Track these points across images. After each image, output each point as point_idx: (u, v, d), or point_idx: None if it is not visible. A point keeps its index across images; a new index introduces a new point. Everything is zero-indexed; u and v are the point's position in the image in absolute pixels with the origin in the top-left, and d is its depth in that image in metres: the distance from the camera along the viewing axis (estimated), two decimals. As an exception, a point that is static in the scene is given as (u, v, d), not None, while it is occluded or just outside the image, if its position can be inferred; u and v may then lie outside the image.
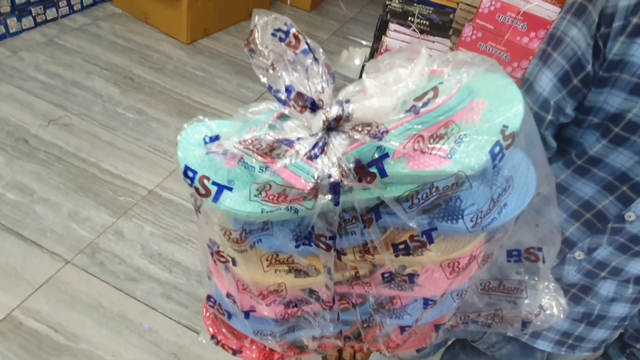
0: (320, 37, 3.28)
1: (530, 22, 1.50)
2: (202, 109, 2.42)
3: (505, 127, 0.39)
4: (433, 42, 1.83)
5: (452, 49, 1.82)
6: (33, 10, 2.59)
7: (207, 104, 2.46)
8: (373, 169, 0.38)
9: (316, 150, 0.39)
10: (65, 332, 1.46)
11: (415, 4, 2.01)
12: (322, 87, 0.39)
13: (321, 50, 0.40)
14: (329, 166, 0.39)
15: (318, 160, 0.39)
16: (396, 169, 0.39)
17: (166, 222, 1.84)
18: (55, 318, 1.49)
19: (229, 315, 0.59)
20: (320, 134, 0.40)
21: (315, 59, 0.39)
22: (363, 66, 2.39)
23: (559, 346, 0.79)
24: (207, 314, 0.67)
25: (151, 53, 2.70)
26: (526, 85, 0.68)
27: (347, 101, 0.40)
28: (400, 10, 1.94)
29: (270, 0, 3.42)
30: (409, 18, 1.90)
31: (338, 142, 0.39)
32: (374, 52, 2.10)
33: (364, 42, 3.35)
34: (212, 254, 0.52)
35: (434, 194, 0.39)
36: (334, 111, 0.39)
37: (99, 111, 2.25)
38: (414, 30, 1.85)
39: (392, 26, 1.86)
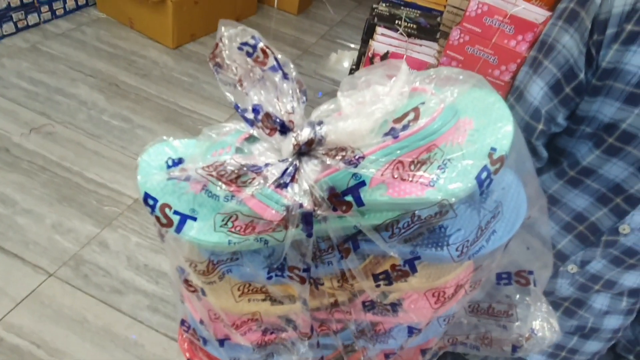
0: (308, 40, 3.26)
1: (518, 25, 1.49)
2: (189, 115, 2.39)
3: (494, 149, 0.36)
4: (420, 45, 1.81)
5: (439, 52, 1.81)
6: (14, 15, 2.54)
7: (194, 110, 2.42)
8: (349, 198, 0.35)
9: (286, 177, 0.36)
10: (49, 347, 1.42)
11: (402, 8, 1.99)
12: (293, 107, 0.36)
13: (292, 66, 0.37)
14: (300, 195, 0.36)
15: (288, 188, 0.36)
16: (374, 197, 0.35)
17: (152, 232, 1.80)
18: (38, 333, 1.45)
19: (204, 341, 0.57)
20: (290, 159, 0.36)
21: (285, 76, 0.36)
22: (351, 69, 2.37)
23: (552, 359, 0.77)
24: (183, 337, 0.64)
25: (137, 59, 2.66)
26: (516, 94, 0.67)
27: (320, 123, 0.37)
28: (388, 13, 1.93)
29: (257, 4, 3.39)
30: (396, 21, 1.89)
31: (310, 168, 0.36)
32: (361, 56, 2.09)
33: (352, 46, 3.33)
34: (181, 281, 0.49)
35: (416, 222, 0.36)
36: (306, 134, 0.36)
37: (83, 119, 2.21)
38: (401, 33, 1.84)
39: (380, 30, 1.85)
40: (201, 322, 0.52)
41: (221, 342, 0.53)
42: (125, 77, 2.51)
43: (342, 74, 3.00)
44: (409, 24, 1.88)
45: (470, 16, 1.54)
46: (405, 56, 1.73)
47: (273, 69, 0.36)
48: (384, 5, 1.96)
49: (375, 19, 1.90)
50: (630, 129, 0.55)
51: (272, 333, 0.52)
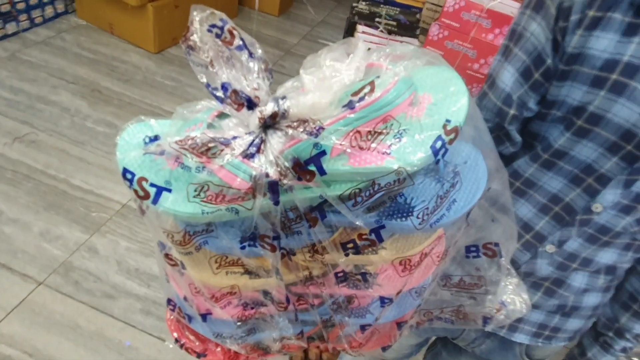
0: (290, 41, 3.27)
1: (495, 19, 1.53)
2: (174, 119, 2.39)
3: (448, 121, 0.38)
4: (401, 42, 1.85)
5: (420, 48, 1.84)
6: (-8, 25, 2.51)
7: (179, 114, 2.42)
8: (311, 167, 0.38)
9: (252, 148, 0.38)
10: (42, 355, 1.42)
11: (382, 5, 2.02)
12: (258, 84, 0.38)
13: (257, 45, 0.39)
14: (266, 165, 0.38)
15: (255, 159, 0.38)
16: (336, 166, 0.38)
17: (142, 236, 1.80)
18: (30, 342, 1.44)
19: (189, 319, 0.59)
20: (256, 132, 0.39)
21: (251, 55, 0.38)
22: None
23: (536, 338, 0.80)
24: (170, 317, 0.66)
25: (118, 64, 2.65)
26: (490, 81, 0.69)
27: (284, 98, 0.39)
28: (368, 11, 1.96)
29: (238, 7, 3.40)
30: (376, 19, 1.92)
31: (275, 140, 0.38)
32: (344, 55, 2.11)
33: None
34: (163, 257, 0.51)
35: (378, 191, 0.39)
36: (270, 108, 0.38)
37: (66, 126, 2.19)
38: (381, 31, 1.87)
39: (360, 28, 1.88)
40: (185, 298, 0.55)
41: (204, 317, 0.55)
42: (108, 83, 2.50)
43: (325, 73, 3.02)
44: (389, 21, 1.91)
45: (448, 11, 1.57)
46: (386, 53, 1.76)
47: (239, 48, 0.38)
48: (363, 3, 1.99)
49: (356, 17, 1.93)
50: (597, 111, 0.57)
51: (252, 308, 0.55)
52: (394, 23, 1.91)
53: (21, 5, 2.61)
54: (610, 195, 0.62)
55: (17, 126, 2.13)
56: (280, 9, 3.50)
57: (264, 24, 3.42)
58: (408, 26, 1.92)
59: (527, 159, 0.69)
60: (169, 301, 0.60)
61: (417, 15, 2.01)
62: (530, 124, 0.68)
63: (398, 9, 2.00)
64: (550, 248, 0.70)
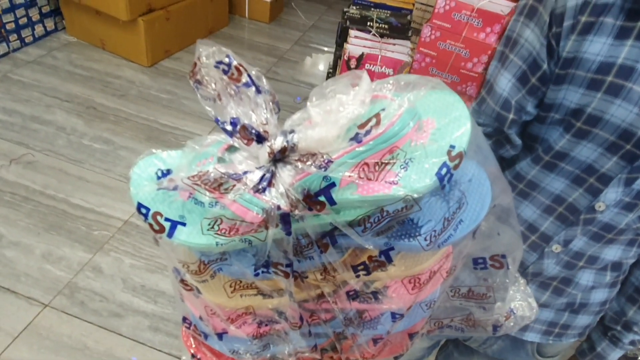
0: (282, 47, 3.28)
1: (485, 18, 1.54)
2: (171, 132, 2.39)
3: (452, 147, 0.39)
4: (394, 44, 1.85)
5: (413, 50, 1.85)
6: (-18, 47, 2.51)
7: (175, 127, 2.42)
8: (321, 198, 0.39)
9: (263, 182, 0.39)
10: (51, 379, 1.41)
11: (372, 9, 2.03)
12: (267, 119, 0.39)
13: (264, 79, 0.40)
14: (277, 197, 0.39)
15: (266, 192, 0.39)
16: (345, 195, 0.39)
17: (146, 252, 1.80)
18: (38, 366, 1.43)
19: (205, 336, 0.60)
20: (267, 166, 0.40)
21: (259, 90, 0.39)
22: (328, 73, 2.40)
23: (547, 336, 0.81)
24: (186, 333, 0.67)
25: (112, 80, 2.64)
26: (487, 87, 0.70)
27: (292, 131, 0.40)
28: (359, 16, 1.96)
29: (229, 16, 3.40)
30: (368, 23, 1.93)
31: (285, 174, 0.39)
32: (337, 60, 2.12)
33: (325, 49, 3.37)
34: (178, 281, 0.52)
35: (386, 217, 0.40)
36: (279, 142, 0.39)
37: (63, 145, 2.19)
38: (374, 34, 1.88)
39: (353, 32, 1.88)
40: (200, 318, 0.56)
41: (220, 336, 0.56)
42: (102, 99, 2.49)
43: (318, 78, 3.03)
44: (380, 25, 1.92)
45: (439, 13, 1.58)
46: (380, 56, 1.77)
47: (247, 84, 0.39)
48: (354, 8, 2.00)
49: (348, 22, 1.93)
50: (595, 113, 0.58)
51: (266, 325, 0.56)
52: (386, 26, 1.92)
53: (10, 26, 2.61)
54: (612, 193, 0.62)
55: (13, 148, 2.13)
56: (270, 15, 3.51)
57: (255, 32, 3.43)
58: (400, 28, 1.93)
59: (529, 161, 0.69)
60: (184, 319, 0.61)
61: (408, 17, 2.02)
62: (530, 127, 0.69)
63: (389, 12, 2.01)
64: (556, 248, 0.71)
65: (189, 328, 0.62)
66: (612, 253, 0.69)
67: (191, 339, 0.66)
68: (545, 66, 0.61)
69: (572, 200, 0.66)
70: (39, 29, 2.80)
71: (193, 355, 0.66)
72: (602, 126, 0.58)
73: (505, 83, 0.66)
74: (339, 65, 1.97)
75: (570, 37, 0.57)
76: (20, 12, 2.64)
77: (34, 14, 2.73)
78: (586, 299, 0.76)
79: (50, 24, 2.86)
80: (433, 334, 0.67)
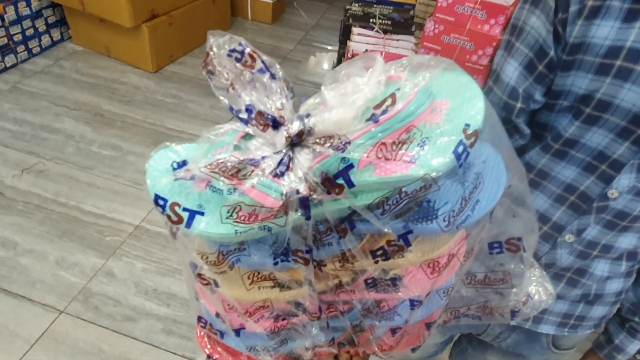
0: (285, 47, 3.28)
1: (489, 9, 1.53)
2: (178, 136, 2.40)
3: (467, 125, 0.39)
4: (397, 40, 1.85)
5: (417, 45, 1.84)
6: (-9, 59, 2.54)
7: (181, 130, 2.44)
8: (340, 181, 0.39)
9: (281, 167, 0.39)
10: (69, 384, 1.43)
11: (375, 5, 2.03)
12: (282, 104, 0.39)
13: (278, 66, 0.40)
14: (296, 182, 0.39)
15: (284, 177, 0.39)
16: (363, 177, 0.39)
17: (157, 256, 1.81)
18: (56, 371, 1.45)
19: (222, 334, 0.59)
20: (284, 151, 0.40)
21: (273, 76, 0.39)
22: (332, 72, 2.40)
23: (562, 327, 0.80)
24: (201, 334, 0.66)
25: (118, 86, 2.67)
26: (494, 76, 0.69)
27: (308, 115, 0.40)
28: (361, 13, 1.96)
29: (232, 18, 3.42)
30: (371, 20, 1.92)
31: (303, 157, 0.39)
32: (340, 58, 2.12)
33: (329, 47, 3.36)
34: (195, 276, 0.52)
35: (404, 198, 0.40)
36: (296, 127, 0.39)
37: (72, 152, 2.21)
38: (377, 31, 1.87)
39: (356, 30, 1.88)
40: (217, 315, 0.55)
41: (237, 332, 0.56)
42: (109, 106, 2.52)
43: (322, 77, 3.01)
44: (383, 21, 1.91)
45: (442, 6, 1.57)
46: (383, 53, 1.76)
47: (261, 71, 0.39)
48: (356, 5, 2.00)
49: (350, 19, 1.93)
50: (604, 98, 0.57)
51: (284, 319, 0.55)
52: (389, 22, 1.92)
53: (18, 37, 2.64)
54: (625, 180, 0.61)
55: (24, 157, 2.16)
56: (273, 16, 3.51)
57: (258, 33, 3.44)
58: (403, 24, 1.93)
59: (539, 150, 0.69)
60: (200, 319, 0.61)
61: (411, 12, 2.01)
62: (539, 115, 0.68)
63: (391, 8, 2.00)
64: (569, 237, 0.70)
65: (204, 327, 0.61)
66: (627, 241, 0.68)
67: (206, 339, 0.66)
68: (552, 53, 0.60)
69: (584, 189, 0.65)
70: (45, 39, 2.83)
71: (209, 356, 0.66)
72: (613, 111, 0.57)
73: (512, 71, 0.65)
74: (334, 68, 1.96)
75: (576, 22, 0.56)
76: (26, 23, 2.67)
77: (40, 24, 2.77)
78: (601, 290, 0.74)
79: (56, 33, 2.90)
80: (450, 323, 0.66)
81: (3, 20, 2.53)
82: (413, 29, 1.91)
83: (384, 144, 0.38)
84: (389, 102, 0.39)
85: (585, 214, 0.67)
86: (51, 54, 2.84)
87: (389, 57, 1.76)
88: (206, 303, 0.57)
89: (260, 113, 0.39)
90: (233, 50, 0.38)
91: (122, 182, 2.10)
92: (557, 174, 0.67)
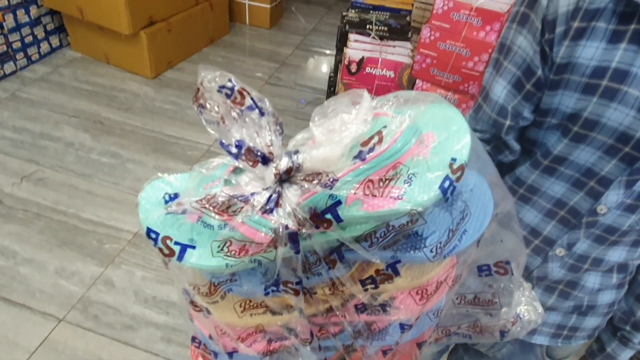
0: (284, 52, 3.29)
1: (484, 16, 1.53)
2: (177, 143, 2.41)
3: (454, 160, 0.40)
4: (394, 46, 1.85)
5: (413, 51, 1.85)
6: (-10, 67, 2.56)
7: (181, 137, 2.44)
8: (328, 216, 0.39)
9: (271, 203, 0.40)
10: (68, 393, 1.43)
11: (371, 12, 2.03)
12: (271, 140, 0.40)
13: (267, 102, 0.40)
14: (284, 217, 0.39)
15: (274, 212, 0.40)
16: (351, 212, 0.40)
17: (156, 264, 1.82)
18: (55, 380, 1.46)
19: (215, 355, 0.60)
20: (273, 187, 0.41)
21: (262, 112, 0.40)
22: (330, 77, 2.41)
23: (556, 338, 0.80)
24: (195, 353, 0.67)
25: (117, 93, 2.68)
26: (483, 94, 0.70)
27: (296, 152, 0.41)
28: (358, 19, 1.96)
29: (230, 23, 3.43)
30: (368, 26, 1.93)
31: (291, 193, 0.40)
32: (337, 64, 2.12)
33: (327, 52, 3.37)
34: (188, 303, 0.52)
35: (392, 231, 0.40)
36: (284, 163, 0.40)
37: (72, 160, 2.22)
38: (373, 37, 1.88)
39: (352, 36, 1.89)
40: (210, 337, 0.56)
41: (230, 355, 0.57)
42: (109, 113, 2.53)
43: (321, 81, 3.03)
44: (380, 27, 1.91)
45: (437, 14, 1.58)
46: (380, 59, 1.76)
47: (250, 108, 0.40)
48: (353, 11, 2.00)
49: (347, 26, 1.94)
50: (591, 117, 0.58)
51: (276, 341, 0.56)
52: (385, 28, 1.92)
53: (17, 45, 2.66)
54: (614, 196, 0.62)
55: (24, 165, 2.16)
56: (271, 21, 3.52)
57: (256, 38, 3.45)
58: (399, 30, 1.93)
59: (529, 166, 0.69)
60: (194, 339, 0.62)
61: (407, 18, 2.01)
62: (528, 132, 0.69)
63: (388, 14, 2.01)
64: (560, 251, 0.70)
65: (198, 347, 0.62)
66: (616, 255, 0.68)
67: (200, 358, 0.67)
68: (539, 72, 0.61)
69: (574, 204, 0.66)
70: (44, 47, 2.85)
71: None
72: (600, 130, 0.58)
73: (500, 90, 0.66)
74: (340, 69, 1.97)
75: (563, 43, 0.57)
76: (25, 30, 2.68)
77: (39, 32, 2.78)
78: (593, 301, 0.75)
79: (55, 40, 2.91)
80: (441, 341, 0.67)
81: (2, 27, 2.54)
82: (410, 34, 1.92)
83: (371, 180, 0.39)
84: (375, 139, 0.40)
85: (575, 228, 0.67)
86: (50, 61, 2.85)
87: (386, 64, 1.76)
88: (199, 326, 0.57)
89: (249, 149, 0.39)
90: (223, 87, 0.39)
91: (121, 189, 2.10)
92: (546, 189, 0.67)
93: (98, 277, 1.75)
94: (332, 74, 2.30)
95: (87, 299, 1.68)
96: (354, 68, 1.77)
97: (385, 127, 0.41)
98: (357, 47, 1.83)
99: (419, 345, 0.62)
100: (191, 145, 2.40)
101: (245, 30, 3.52)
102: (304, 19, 3.71)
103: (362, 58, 1.76)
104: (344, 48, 1.85)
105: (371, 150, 0.39)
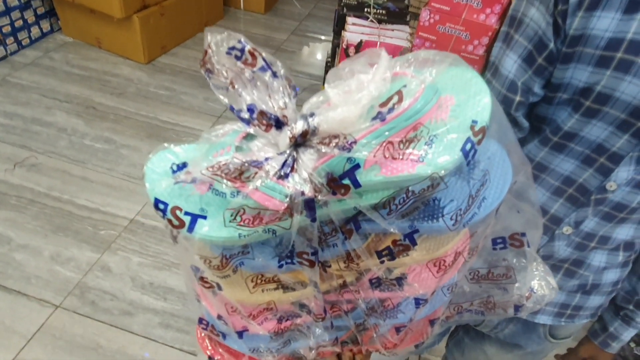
0: (279, 38, 3.25)
1: (485, -1, 1.51)
2: (172, 128, 2.38)
3: (475, 122, 0.38)
4: (392, 30, 1.83)
5: (412, 35, 1.83)
6: (-21, 51, 2.50)
7: (176, 123, 2.42)
8: (346, 181, 0.38)
9: (286, 168, 0.38)
10: (66, 378, 1.43)
11: (369, -5, 2.00)
12: (285, 103, 0.38)
13: (279, 63, 0.38)
14: (300, 183, 0.38)
15: (289, 178, 0.38)
16: (369, 177, 0.38)
17: (153, 250, 1.81)
18: (53, 366, 1.45)
19: (224, 336, 0.59)
20: (288, 152, 0.39)
21: (274, 74, 0.38)
22: (327, 62, 2.38)
23: (559, 318, 0.80)
24: (202, 335, 0.66)
25: (110, 78, 2.63)
26: (492, 69, 0.69)
27: (312, 114, 0.39)
28: (356, 2, 1.94)
29: (224, 8, 3.37)
30: (365, 9, 1.90)
31: (307, 158, 0.38)
32: (335, 48, 2.10)
33: (323, 38, 3.34)
34: (197, 279, 0.51)
35: (411, 197, 0.39)
36: (299, 127, 0.38)
37: (65, 146, 2.19)
38: (371, 21, 1.85)
39: (350, 20, 1.86)
40: (219, 317, 0.55)
41: (240, 334, 0.56)
42: (102, 98, 2.49)
43: (316, 67, 3.00)
44: (378, 11, 1.89)
45: (437, -4, 1.55)
46: (378, 43, 1.74)
47: (262, 69, 0.38)
48: (351, -6, 1.97)
49: (345, 9, 1.91)
50: (604, 90, 0.57)
51: (287, 320, 0.55)
52: (384, 11, 1.90)
53: (7, 29, 2.60)
54: (624, 172, 0.61)
55: (16, 151, 2.13)
56: (266, 6, 3.47)
57: (251, 23, 3.40)
58: (398, 13, 1.91)
59: (537, 143, 0.68)
60: (201, 320, 0.60)
61: (406, 1, 1.99)
62: (537, 108, 0.68)
63: (386, -3, 1.98)
64: (567, 230, 0.70)
65: (205, 329, 0.61)
66: (624, 232, 0.68)
67: (207, 341, 0.65)
68: (551, 45, 0.60)
69: (583, 181, 0.65)
70: (35, 31, 2.78)
71: (210, 358, 0.65)
72: (612, 104, 0.57)
73: (511, 64, 0.64)
74: (338, 53, 1.95)
75: (577, 14, 0.56)
76: (15, 14, 2.62)
77: (29, 16, 2.72)
78: (598, 280, 0.75)
79: (45, 25, 2.85)
80: (452, 319, 0.66)
81: (-9, 11, 2.48)
82: (408, 18, 1.89)
83: (390, 142, 0.37)
84: (395, 99, 0.38)
85: (583, 206, 0.67)
86: (41, 46, 2.80)
87: (384, 47, 1.74)
88: (208, 305, 0.56)
89: (262, 113, 0.37)
90: (232, 48, 0.36)
91: (115, 175, 2.08)
92: (555, 166, 0.67)
93: (94, 263, 1.74)
94: (329, 59, 2.27)
95: (83, 284, 1.67)
96: (352, 52, 1.75)
97: (405, 86, 0.39)
98: (355, 31, 1.81)
99: (432, 322, 0.61)
100: (186, 131, 2.37)
101: (240, 15, 3.47)
102: (299, 3, 3.67)
103: (360, 42, 1.74)
104: (342, 32, 1.82)
105: (391, 110, 0.38)
